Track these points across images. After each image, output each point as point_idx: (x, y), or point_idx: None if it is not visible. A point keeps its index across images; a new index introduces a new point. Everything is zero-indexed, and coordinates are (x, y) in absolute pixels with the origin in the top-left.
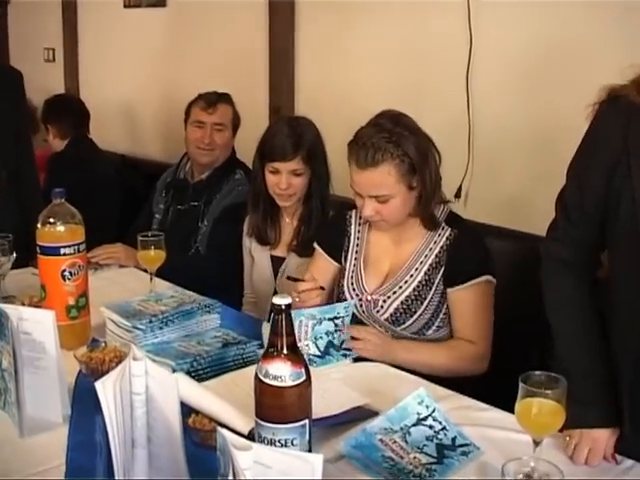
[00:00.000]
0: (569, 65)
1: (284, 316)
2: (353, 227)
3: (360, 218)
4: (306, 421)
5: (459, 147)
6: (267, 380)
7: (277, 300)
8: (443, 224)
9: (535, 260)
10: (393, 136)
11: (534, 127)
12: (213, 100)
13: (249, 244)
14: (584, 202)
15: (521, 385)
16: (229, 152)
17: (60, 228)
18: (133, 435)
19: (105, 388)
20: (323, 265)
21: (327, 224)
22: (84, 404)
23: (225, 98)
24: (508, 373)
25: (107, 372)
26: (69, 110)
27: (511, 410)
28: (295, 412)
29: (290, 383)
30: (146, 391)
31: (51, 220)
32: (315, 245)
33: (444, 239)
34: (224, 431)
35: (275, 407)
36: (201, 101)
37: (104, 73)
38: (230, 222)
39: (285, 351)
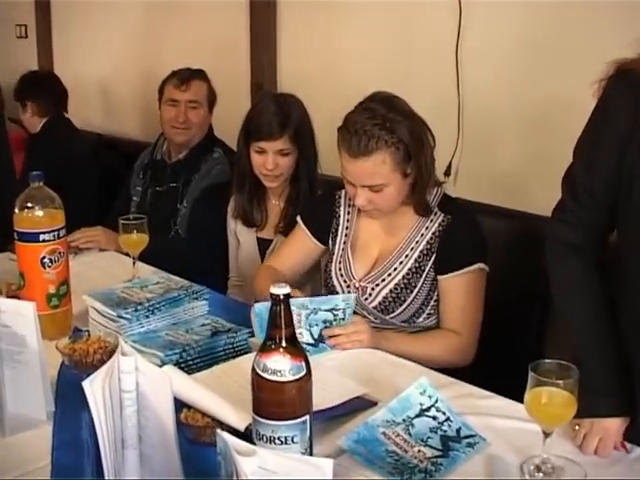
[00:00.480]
0: (562, 41)
1: (283, 307)
2: (342, 208)
3: (350, 199)
4: (307, 417)
5: (449, 124)
6: (266, 375)
7: (275, 290)
8: (436, 209)
9: (528, 238)
10: (386, 122)
11: (526, 103)
12: (186, 77)
13: (234, 226)
14: (593, 183)
15: (531, 374)
16: (206, 130)
17: (39, 213)
18: (123, 435)
19: (93, 387)
20: (304, 243)
21: (315, 202)
22: (68, 399)
23: (199, 74)
24: (501, 357)
25: (92, 364)
26: (48, 87)
27: (510, 396)
28: (295, 408)
29: (290, 378)
30: (136, 388)
31: (29, 205)
32: (299, 220)
33: (436, 225)
34: (225, 435)
35: (274, 403)
36: (174, 79)
37: (79, 50)
38: (210, 203)
39: (284, 344)
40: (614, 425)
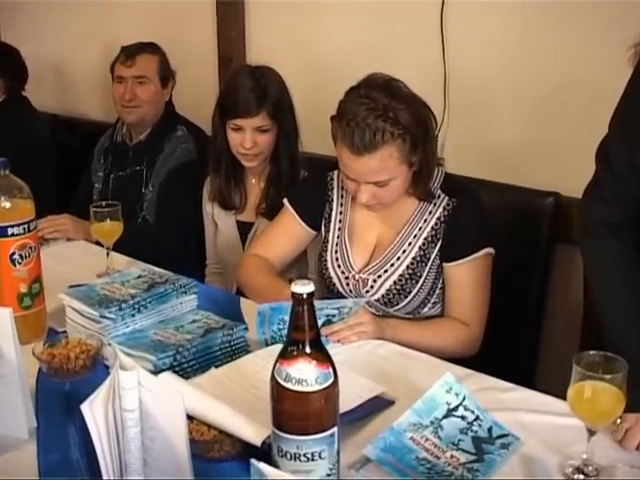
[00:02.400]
0: (554, 10)
1: (306, 307)
2: (335, 191)
3: (343, 181)
4: (335, 429)
5: (434, 97)
6: (288, 385)
7: (298, 288)
8: (439, 191)
9: (521, 213)
10: (389, 111)
11: (515, 73)
12: (132, 52)
13: (211, 210)
14: (633, 155)
15: (575, 367)
16: (161, 107)
17: (6, 204)
18: (126, 459)
19: (93, 409)
20: (293, 229)
21: (304, 184)
22: (51, 413)
23: (148, 48)
24: (497, 341)
25: (74, 370)
26: (12, 60)
27: (511, 381)
28: (322, 420)
29: (317, 387)
30: (140, 406)
31: None
32: (286, 203)
33: (441, 209)
34: (263, 467)
35: (299, 416)
36: (121, 55)
37: (29, 27)
38: (177, 184)
39: (309, 349)
40: None
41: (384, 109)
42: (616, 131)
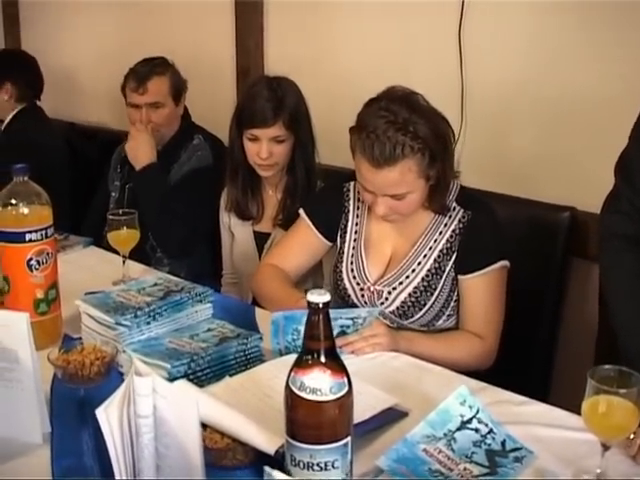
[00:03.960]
0: (571, 28)
1: (322, 316)
2: (352, 203)
3: (359, 193)
4: (348, 439)
5: (451, 110)
6: (303, 394)
7: (314, 297)
8: (454, 204)
9: (535, 227)
10: (409, 125)
11: (531, 89)
12: (142, 77)
13: (228, 220)
14: None
15: (589, 381)
16: (176, 123)
17: (24, 210)
18: (139, 466)
19: (108, 414)
20: (309, 240)
21: (320, 195)
22: (65, 418)
23: (157, 69)
24: (512, 354)
25: (88, 377)
26: (31, 70)
27: (526, 395)
28: (336, 429)
29: (331, 397)
30: (154, 413)
31: (13, 201)
32: (302, 214)
33: (456, 222)
34: (277, 474)
35: (313, 425)
36: (131, 80)
37: (48, 32)
38: (190, 188)
39: (323, 359)
40: None
41: (404, 123)
42: (636, 143)
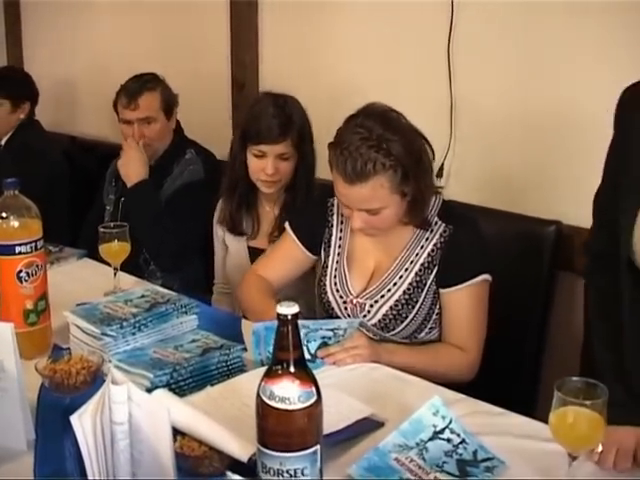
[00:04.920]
0: (558, 41)
1: (290, 327)
2: (335, 217)
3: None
4: (317, 447)
5: (441, 124)
6: (272, 403)
7: (282, 310)
8: (436, 218)
9: (522, 241)
10: (382, 143)
11: (520, 103)
12: (133, 93)
13: (222, 233)
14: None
15: (556, 393)
16: (168, 138)
17: (14, 223)
18: (115, 472)
19: (82, 421)
20: (293, 253)
21: (305, 209)
22: (50, 426)
23: (148, 85)
24: (499, 368)
25: (74, 386)
26: (27, 85)
27: (510, 408)
28: (305, 437)
29: (299, 405)
30: (129, 420)
31: (4, 214)
32: (287, 228)
33: (437, 236)
34: (237, 478)
35: (282, 433)
36: (122, 96)
37: (50, 50)
38: (183, 202)
39: (292, 369)
40: (628, 435)
41: (377, 139)
42: (605, 178)
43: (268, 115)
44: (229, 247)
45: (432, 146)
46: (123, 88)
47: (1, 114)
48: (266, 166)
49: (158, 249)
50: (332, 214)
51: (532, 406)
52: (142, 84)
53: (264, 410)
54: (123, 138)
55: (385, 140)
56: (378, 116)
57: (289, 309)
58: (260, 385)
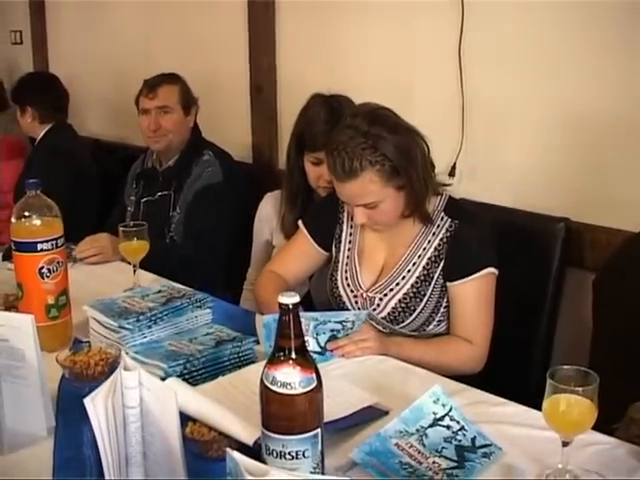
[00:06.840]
0: (568, 40)
1: (292, 316)
2: (345, 214)
3: None
4: (318, 430)
5: (452, 122)
6: (275, 388)
7: (284, 299)
8: (442, 214)
9: (534, 239)
10: (369, 139)
11: (530, 101)
12: (154, 84)
13: (270, 237)
14: None
15: (549, 381)
16: (185, 133)
17: (36, 222)
18: (127, 452)
19: (95, 403)
20: (306, 249)
21: (317, 207)
22: (69, 413)
23: (169, 79)
24: (508, 362)
25: (93, 376)
26: (51, 92)
27: (518, 400)
28: (306, 421)
29: (300, 390)
30: (140, 404)
31: (26, 214)
32: (300, 225)
33: (443, 231)
34: (236, 455)
35: (284, 417)
36: (144, 88)
37: (74, 54)
38: (204, 205)
39: (294, 355)
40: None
41: (364, 136)
42: None
43: (321, 121)
44: (277, 247)
45: (426, 140)
46: (145, 82)
47: (26, 120)
48: (325, 172)
49: (194, 264)
50: (342, 211)
51: (541, 399)
52: (163, 77)
53: (267, 395)
54: (141, 130)
55: (371, 136)
56: (366, 114)
57: (290, 299)
58: (263, 371)
